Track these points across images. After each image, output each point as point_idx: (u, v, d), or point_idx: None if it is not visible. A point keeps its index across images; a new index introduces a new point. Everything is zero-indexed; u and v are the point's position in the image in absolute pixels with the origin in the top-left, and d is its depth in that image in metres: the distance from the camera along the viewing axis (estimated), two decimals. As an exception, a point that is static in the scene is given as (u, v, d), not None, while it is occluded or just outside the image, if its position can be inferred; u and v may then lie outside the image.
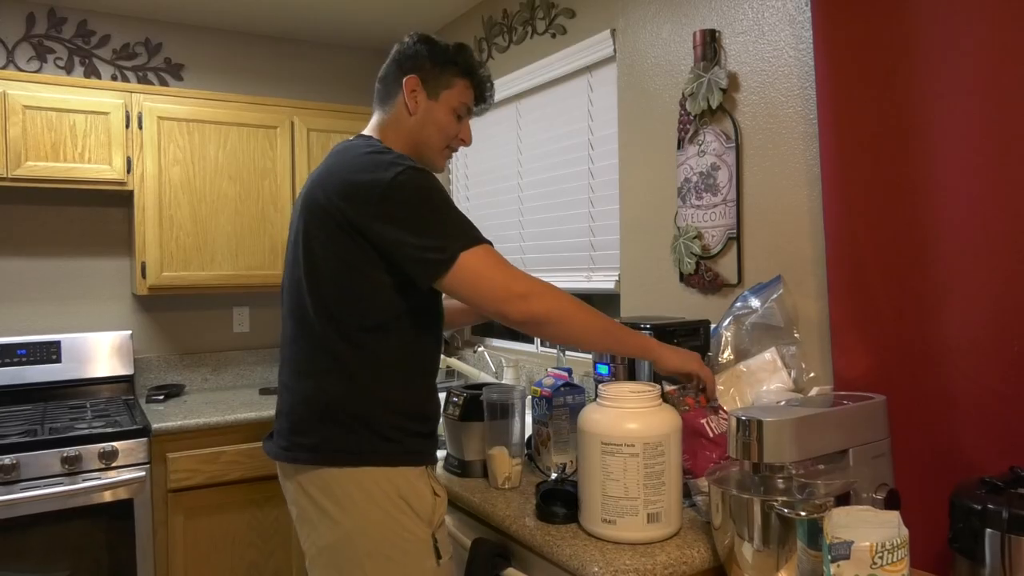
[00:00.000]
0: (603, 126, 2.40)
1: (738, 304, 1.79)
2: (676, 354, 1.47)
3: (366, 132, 1.56)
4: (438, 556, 1.39)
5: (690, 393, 1.50)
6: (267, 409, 2.70)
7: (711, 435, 1.45)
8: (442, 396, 1.60)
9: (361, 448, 1.35)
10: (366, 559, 1.33)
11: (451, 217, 1.34)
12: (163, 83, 3.14)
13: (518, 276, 1.32)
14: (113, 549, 2.39)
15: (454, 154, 1.70)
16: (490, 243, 1.35)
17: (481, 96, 1.59)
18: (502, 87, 2.81)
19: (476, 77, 1.57)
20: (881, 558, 0.99)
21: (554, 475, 1.63)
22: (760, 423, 1.21)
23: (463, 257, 1.30)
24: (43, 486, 2.27)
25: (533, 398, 1.77)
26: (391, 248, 1.32)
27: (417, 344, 1.42)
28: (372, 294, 1.35)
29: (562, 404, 1.72)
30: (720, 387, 1.66)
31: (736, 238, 1.87)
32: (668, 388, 1.51)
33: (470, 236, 1.33)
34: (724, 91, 1.87)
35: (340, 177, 1.37)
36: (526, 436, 1.79)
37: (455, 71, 1.54)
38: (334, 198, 1.35)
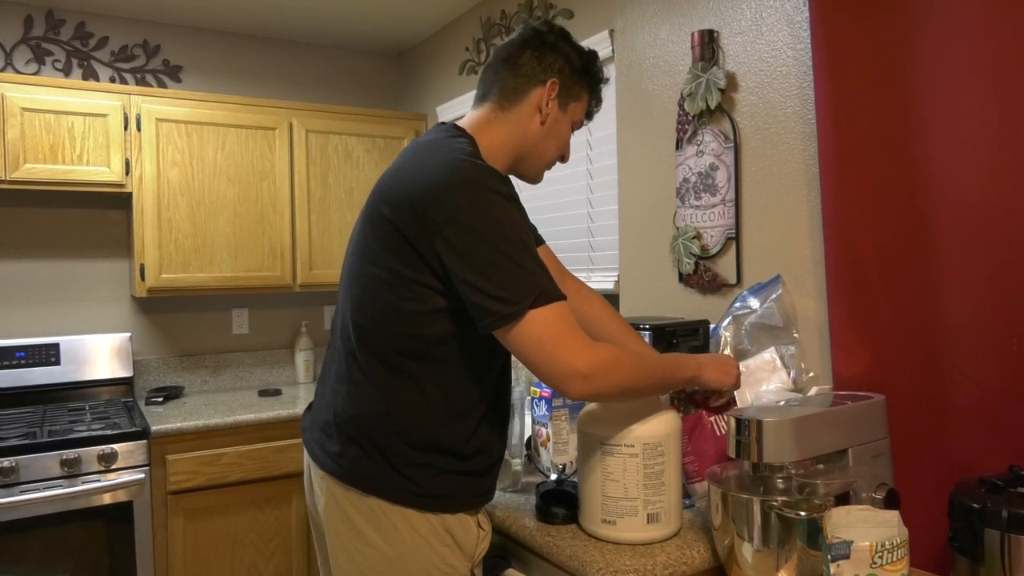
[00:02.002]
0: (602, 126, 2.40)
1: (737, 304, 1.79)
2: (716, 371, 1.37)
3: (462, 124, 1.36)
4: None
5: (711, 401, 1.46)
6: (266, 411, 2.70)
7: (718, 435, 1.45)
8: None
9: (376, 478, 1.25)
10: None
11: (526, 262, 1.15)
12: (161, 85, 3.14)
13: (583, 350, 1.14)
14: (113, 551, 2.39)
15: None
16: (564, 298, 1.17)
17: (589, 113, 1.45)
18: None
19: (598, 92, 1.43)
20: (881, 557, 0.99)
21: (554, 476, 1.63)
22: (760, 423, 1.21)
23: (531, 315, 1.13)
24: (42, 488, 2.27)
25: (532, 399, 1.77)
26: (451, 278, 1.18)
27: (465, 376, 1.27)
28: (419, 318, 1.22)
29: (562, 404, 1.72)
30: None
31: (735, 238, 1.87)
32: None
33: (543, 290, 1.15)
34: (722, 91, 1.87)
35: (409, 181, 1.22)
36: (525, 437, 1.79)
37: (586, 82, 1.39)
38: (398, 205, 1.21)
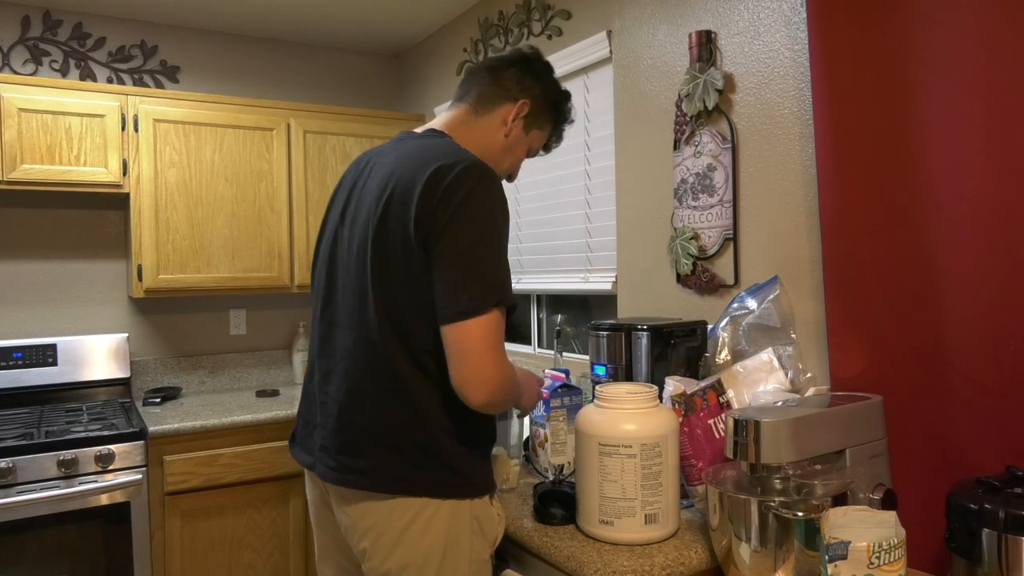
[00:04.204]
0: (600, 127, 2.40)
1: (735, 305, 1.79)
2: (532, 398, 1.46)
3: (436, 125, 1.43)
4: None
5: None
6: (264, 412, 2.70)
7: (718, 436, 1.45)
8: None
9: (426, 479, 1.27)
10: None
11: (503, 261, 1.23)
12: (159, 85, 3.14)
13: (504, 365, 1.23)
14: (110, 552, 2.38)
15: None
16: (515, 305, 1.25)
17: (547, 146, 1.57)
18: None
19: (561, 129, 1.55)
20: (878, 558, 0.99)
21: (551, 476, 1.63)
22: (757, 424, 1.21)
23: (492, 314, 1.19)
24: (39, 489, 2.27)
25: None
26: (431, 260, 1.22)
27: None
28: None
29: (560, 405, 1.72)
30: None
31: (733, 239, 1.87)
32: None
33: (503, 294, 1.22)
34: (720, 92, 1.88)
35: (414, 180, 1.24)
36: (524, 437, 1.79)
37: (553, 116, 1.50)
38: (406, 204, 1.23)
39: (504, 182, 1.51)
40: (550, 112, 1.49)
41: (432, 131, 1.41)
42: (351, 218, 1.36)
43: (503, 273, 1.23)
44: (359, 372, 1.30)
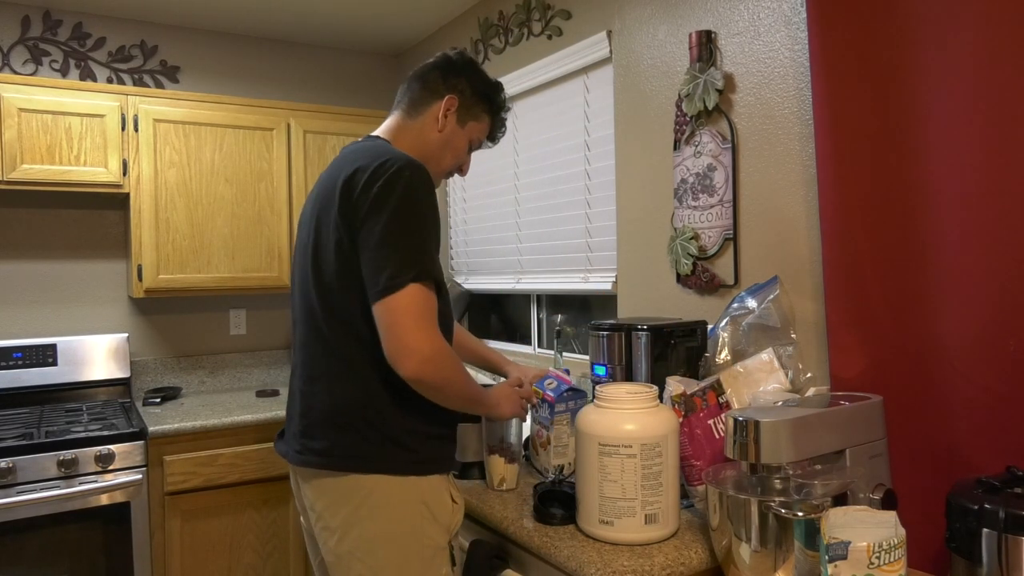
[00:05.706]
0: (599, 127, 2.40)
1: (735, 305, 1.79)
2: (510, 405, 1.54)
3: (378, 134, 1.55)
4: (452, 563, 1.40)
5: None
6: (264, 411, 2.70)
7: (718, 436, 1.45)
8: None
9: (375, 455, 1.33)
10: (386, 566, 1.32)
11: (421, 239, 1.31)
12: (159, 85, 3.14)
13: (433, 335, 1.28)
14: (110, 552, 2.38)
15: None
16: (438, 282, 1.33)
17: (493, 136, 1.64)
18: (498, 89, 2.81)
19: (499, 119, 1.63)
20: (878, 558, 0.99)
21: (551, 476, 1.63)
22: (757, 424, 1.21)
23: (408, 288, 1.27)
24: (39, 489, 2.27)
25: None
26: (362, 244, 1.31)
27: None
28: None
29: (564, 410, 1.72)
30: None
31: (733, 239, 1.87)
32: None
33: (423, 267, 1.29)
34: (720, 92, 1.88)
35: (344, 176, 1.35)
36: (524, 437, 1.79)
37: (486, 107, 1.58)
38: (337, 197, 1.34)
39: (457, 177, 1.62)
40: (482, 103, 1.57)
41: (371, 137, 1.52)
42: (303, 221, 1.49)
43: (421, 251, 1.30)
44: (312, 360, 1.40)
